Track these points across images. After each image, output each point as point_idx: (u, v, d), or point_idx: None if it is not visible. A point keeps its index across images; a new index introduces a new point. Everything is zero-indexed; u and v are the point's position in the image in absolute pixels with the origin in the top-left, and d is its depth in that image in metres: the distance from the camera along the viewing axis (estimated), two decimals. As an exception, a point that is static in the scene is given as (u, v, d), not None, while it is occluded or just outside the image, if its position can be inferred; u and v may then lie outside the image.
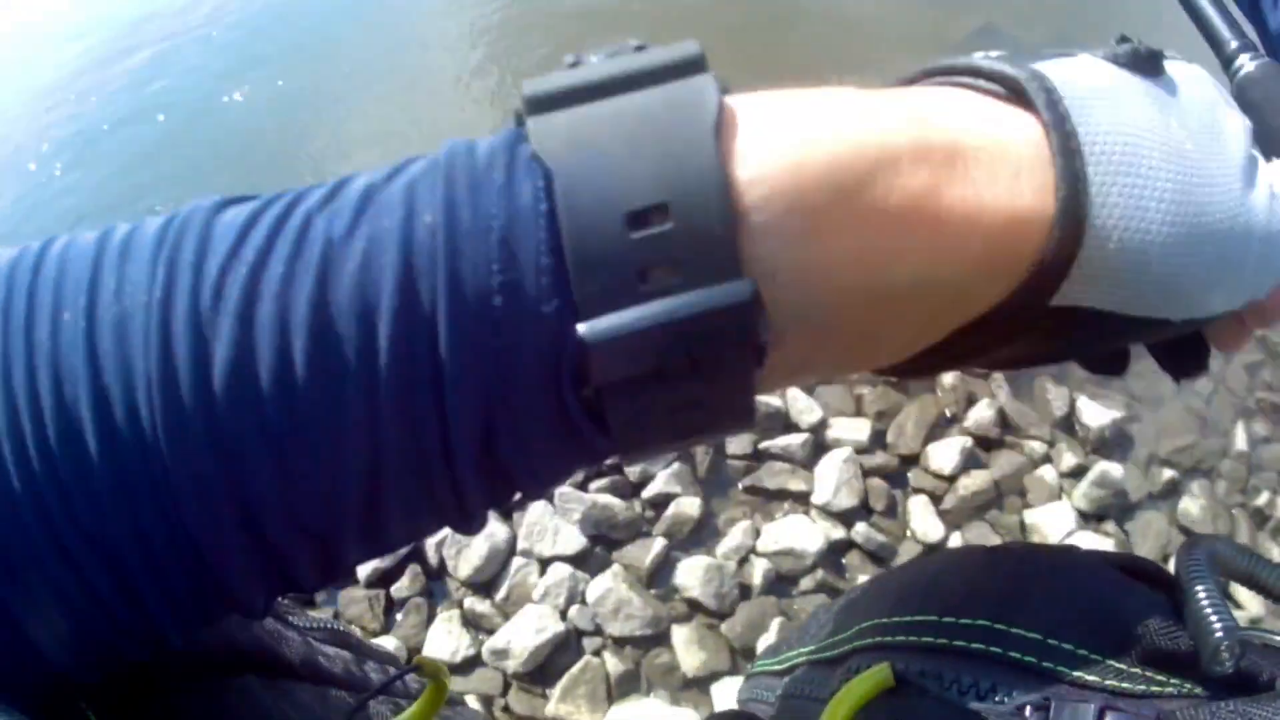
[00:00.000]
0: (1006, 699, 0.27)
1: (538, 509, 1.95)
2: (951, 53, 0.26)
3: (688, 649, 1.78)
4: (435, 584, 1.93)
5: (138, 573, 0.20)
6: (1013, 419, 2.03)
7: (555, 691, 1.73)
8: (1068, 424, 2.05)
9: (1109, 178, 0.23)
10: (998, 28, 2.84)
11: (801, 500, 1.96)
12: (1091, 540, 1.88)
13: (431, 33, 3.46)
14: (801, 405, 2.06)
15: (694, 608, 1.84)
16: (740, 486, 2.01)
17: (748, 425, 0.22)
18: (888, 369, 0.28)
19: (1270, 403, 2.13)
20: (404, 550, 1.92)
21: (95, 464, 0.19)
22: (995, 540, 1.92)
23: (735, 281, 0.19)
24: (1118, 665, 0.26)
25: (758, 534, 1.91)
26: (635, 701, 1.73)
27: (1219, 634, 0.25)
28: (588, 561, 1.91)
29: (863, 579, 1.85)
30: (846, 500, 1.92)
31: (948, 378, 2.07)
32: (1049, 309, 0.24)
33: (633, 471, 2.01)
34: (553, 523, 1.94)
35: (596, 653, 1.79)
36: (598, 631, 1.82)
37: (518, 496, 0.23)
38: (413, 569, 1.93)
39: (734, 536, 1.91)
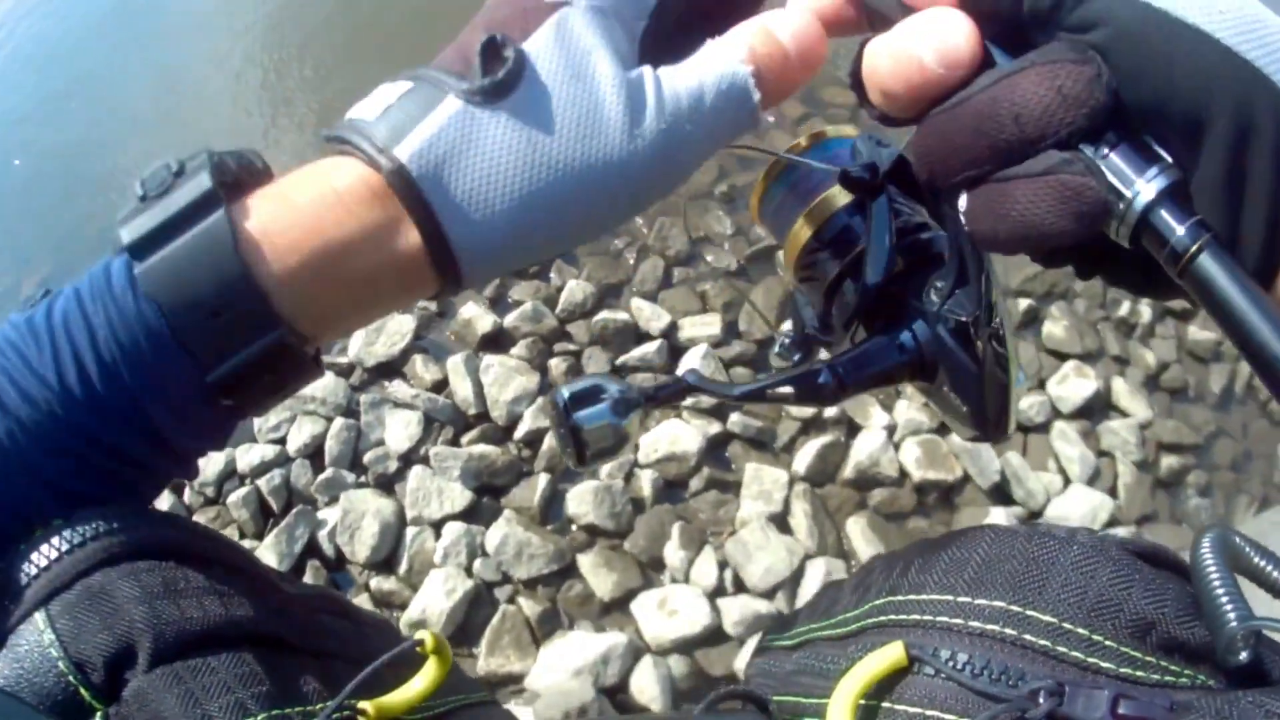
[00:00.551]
0: (1020, 683, 0.27)
1: (417, 474, 1.92)
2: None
3: (597, 574, 1.81)
4: (337, 575, 1.90)
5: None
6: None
7: (481, 648, 1.75)
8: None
9: (467, 211, 0.33)
10: None
11: (672, 403, 1.97)
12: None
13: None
14: (648, 313, 2.05)
15: (593, 533, 1.87)
16: (609, 404, 2.00)
17: (319, 372, 0.36)
18: None
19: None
20: (297, 549, 1.89)
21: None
22: (871, 402, 1.97)
23: (274, 330, 0.32)
24: (1132, 653, 0.27)
25: (636, 446, 1.92)
26: (561, 638, 1.75)
27: (1233, 624, 0.25)
28: (479, 514, 1.91)
29: (750, 467, 1.88)
30: (715, 394, 1.93)
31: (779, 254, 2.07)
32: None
33: (499, 415, 1.99)
34: (435, 484, 1.92)
35: (510, 600, 1.81)
36: (506, 579, 1.83)
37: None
38: (312, 565, 1.89)
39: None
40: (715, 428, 1.93)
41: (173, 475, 0.36)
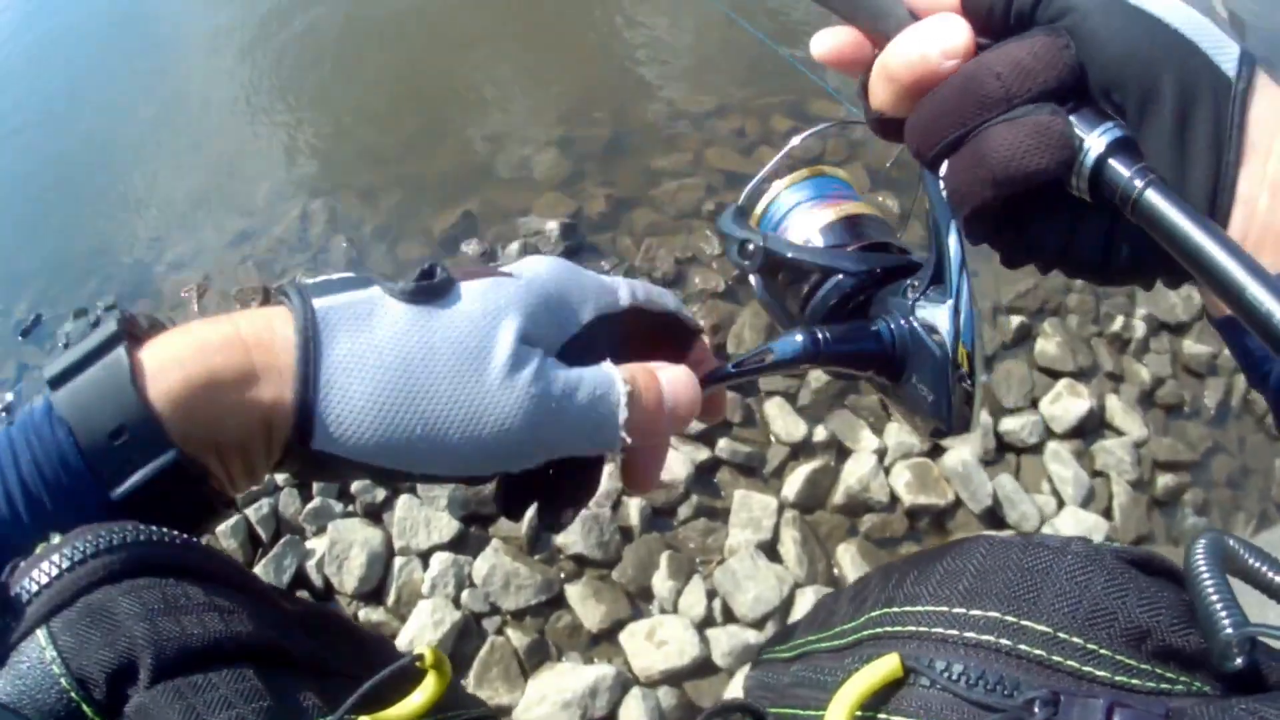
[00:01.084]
0: (1015, 693, 0.27)
1: (404, 503, 1.91)
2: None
3: (585, 605, 1.80)
4: (327, 604, 1.90)
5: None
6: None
7: (469, 680, 1.74)
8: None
9: (335, 380, 0.36)
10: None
11: (660, 428, 1.95)
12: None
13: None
14: (640, 333, 2.02)
15: (581, 563, 1.85)
16: (597, 430, 1.99)
17: (227, 511, 0.39)
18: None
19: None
20: (285, 579, 1.89)
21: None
22: (861, 424, 1.95)
23: (167, 451, 0.34)
24: (1127, 661, 0.27)
25: (626, 473, 1.90)
26: (549, 669, 1.74)
27: (1228, 631, 0.25)
28: (466, 543, 1.90)
29: (739, 494, 1.87)
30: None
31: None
32: (315, 452, 0.36)
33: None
34: (422, 514, 1.90)
35: (499, 631, 1.80)
36: (494, 610, 1.82)
37: None
38: (300, 595, 1.89)
39: (600, 483, 1.90)
40: (704, 453, 1.91)
41: None
